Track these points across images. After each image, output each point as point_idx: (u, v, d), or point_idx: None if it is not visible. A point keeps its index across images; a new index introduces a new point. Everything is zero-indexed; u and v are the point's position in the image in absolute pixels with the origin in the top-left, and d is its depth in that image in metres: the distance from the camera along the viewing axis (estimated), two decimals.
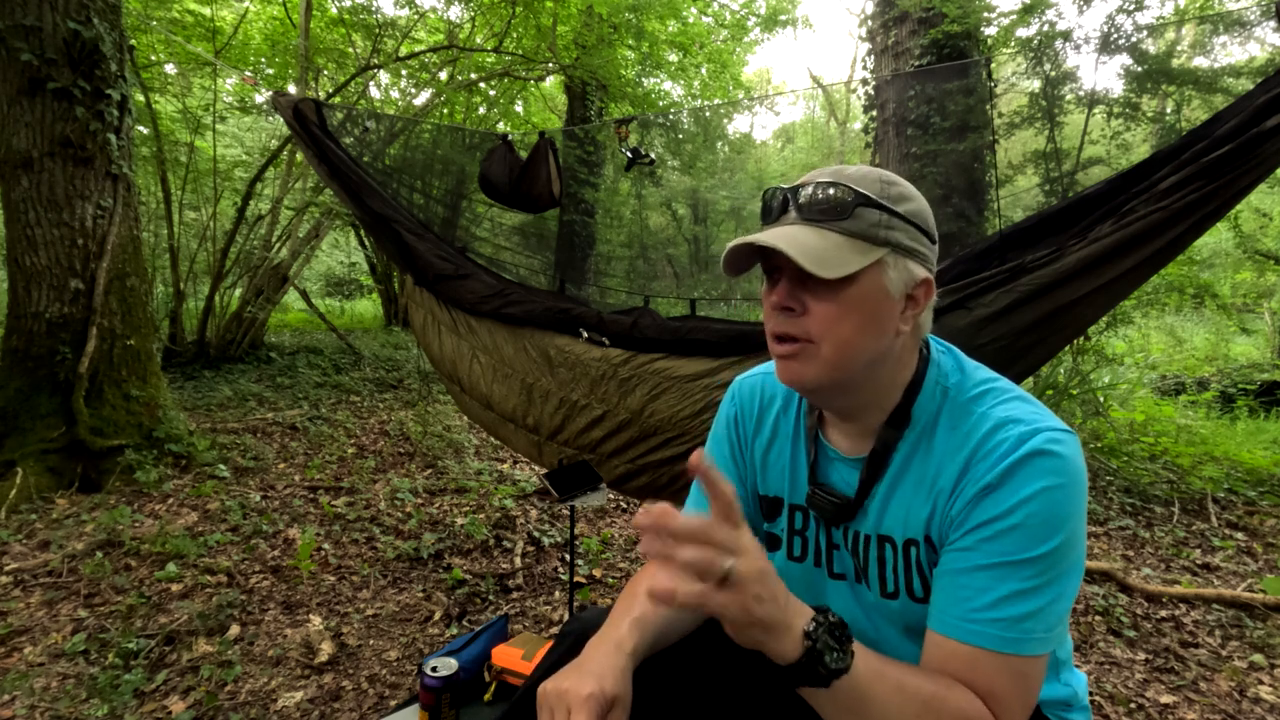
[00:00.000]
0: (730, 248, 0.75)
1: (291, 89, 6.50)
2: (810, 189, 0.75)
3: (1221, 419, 5.07)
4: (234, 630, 2.00)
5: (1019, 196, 5.49)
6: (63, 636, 1.90)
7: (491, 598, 2.30)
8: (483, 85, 8.12)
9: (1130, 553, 2.83)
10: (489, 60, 7.66)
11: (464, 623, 2.13)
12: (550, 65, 7.74)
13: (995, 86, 5.19)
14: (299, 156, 6.01)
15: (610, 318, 2.12)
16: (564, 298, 2.41)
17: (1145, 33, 4.66)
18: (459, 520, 2.91)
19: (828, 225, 0.73)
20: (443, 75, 7.53)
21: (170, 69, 6.95)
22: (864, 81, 6.11)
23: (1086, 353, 4.33)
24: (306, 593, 2.25)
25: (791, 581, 0.88)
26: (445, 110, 7.69)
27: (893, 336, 0.75)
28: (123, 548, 2.40)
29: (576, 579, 2.44)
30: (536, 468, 3.48)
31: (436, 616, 2.16)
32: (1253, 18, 4.68)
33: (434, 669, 1.54)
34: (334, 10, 6.80)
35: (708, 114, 11.70)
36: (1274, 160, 1.41)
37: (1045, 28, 4.93)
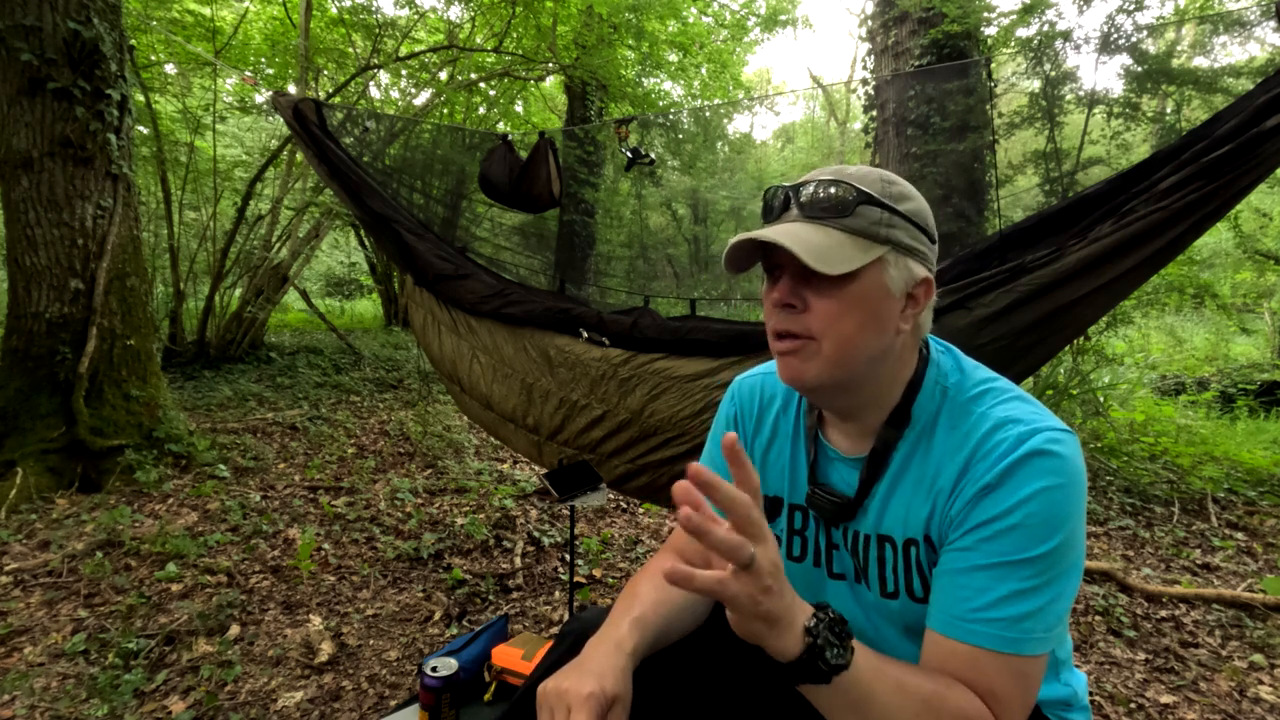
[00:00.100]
0: (732, 244, 0.75)
1: (291, 89, 6.50)
2: (812, 187, 0.75)
3: (1221, 419, 5.07)
4: (234, 630, 2.00)
5: (1019, 196, 5.49)
6: (63, 636, 1.90)
7: (491, 598, 2.30)
8: (483, 85, 8.12)
9: (1130, 553, 2.83)
10: (489, 60, 7.66)
11: (464, 623, 2.14)
12: (550, 65, 7.75)
13: (995, 86, 5.19)
14: (299, 156, 6.01)
15: (610, 318, 2.12)
16: (564, 298, 2.41)
17: (1145, 33, 4.66)
18: (459, 520, 2.91)
19: (829, 222, 0.73)
20: (443, 75, 7.53)
21: (170, 69, 6.95)
22: (864, 81, 6.11)
23: (1086, 353, 4.33)
24: (306, 593, 2.25)
25: (791, 581, 0.88)
26: (445, 110, 7.69)
27: (893, 335, 0.75)
28: (123, 548, 2.40)
29: (576, 579, 2.44)
30: (536, 468, 3.48)
31: (436, 616, 2.16)
32: (1253, 18, 4.68)
33: (434, 669, 1.54)
34: (334, 10, 6.80)
35: (708, 114, 11.71)
36: (1274, 160, 1.41)
37: (1045, 28, 4.94)
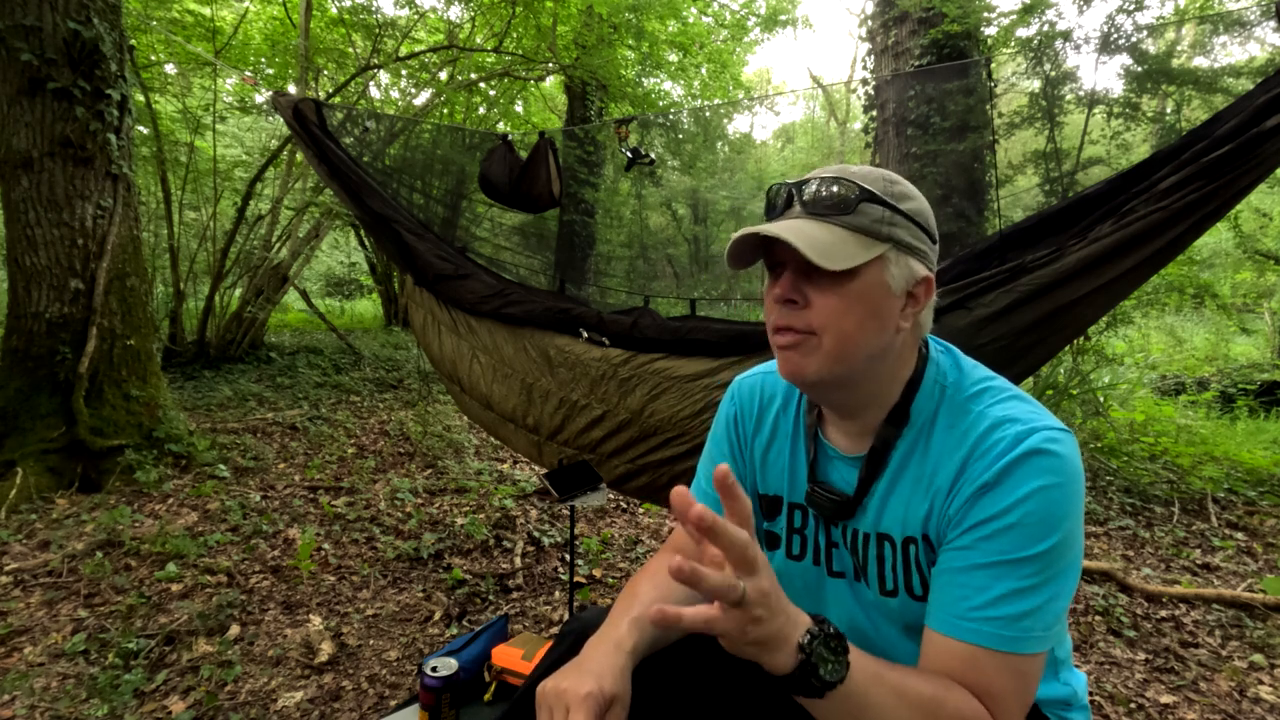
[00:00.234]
0: (735, 238, 0.75)
1: (291, 89, 6.50)
2: (815, 184, 0.75)
3: (1221, 419, 5.07)
4: (234, 630, 2.00)
5: (1019, 196, 5.49)
6: (63, 636, 1.90)
7: (491, 598, 2.30)
8: (483, 85, 8.12)
9: (1130, 553, 2.83)
10: (489, 60, 7.66)
11: (464, 623, 2.14)
12: (550, 65, 7.75)
13: (995, 86, 5.19)
14: (299, 156, 6.02)
15: (610, 318, 2.12)
16: (564, 298, 2.41)
17: (1145, 33, 4.66)
18: (459, 520, 2.91)
19: (832, 219, 0.74)
20: (443, 75, 7.54)
21: (170, 69, 6.95)
22: (864, 81, 6.12)
23: (1086, 353, 4.33)
24: (306, 593, 2.25)
25: (790, 580, 0.88)
26: (445, 110, 7.70)
27: (893, 333, 0.76)
28: (123, 548, 2.40)
29: (576, 579, 2.44)
30: (536, 468, 3.48)
31: (436, 616, 2.16)
32: (1253, 18, 4.68)
33: (434, 669, 1.54)
34: (334, 10, 6.80)
35: (708, 114, 11.71)
36: (1274, 160, 1.41)
37: (1045, 28, 4.94)
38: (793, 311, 0.75)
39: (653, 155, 3.55)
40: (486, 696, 1.70)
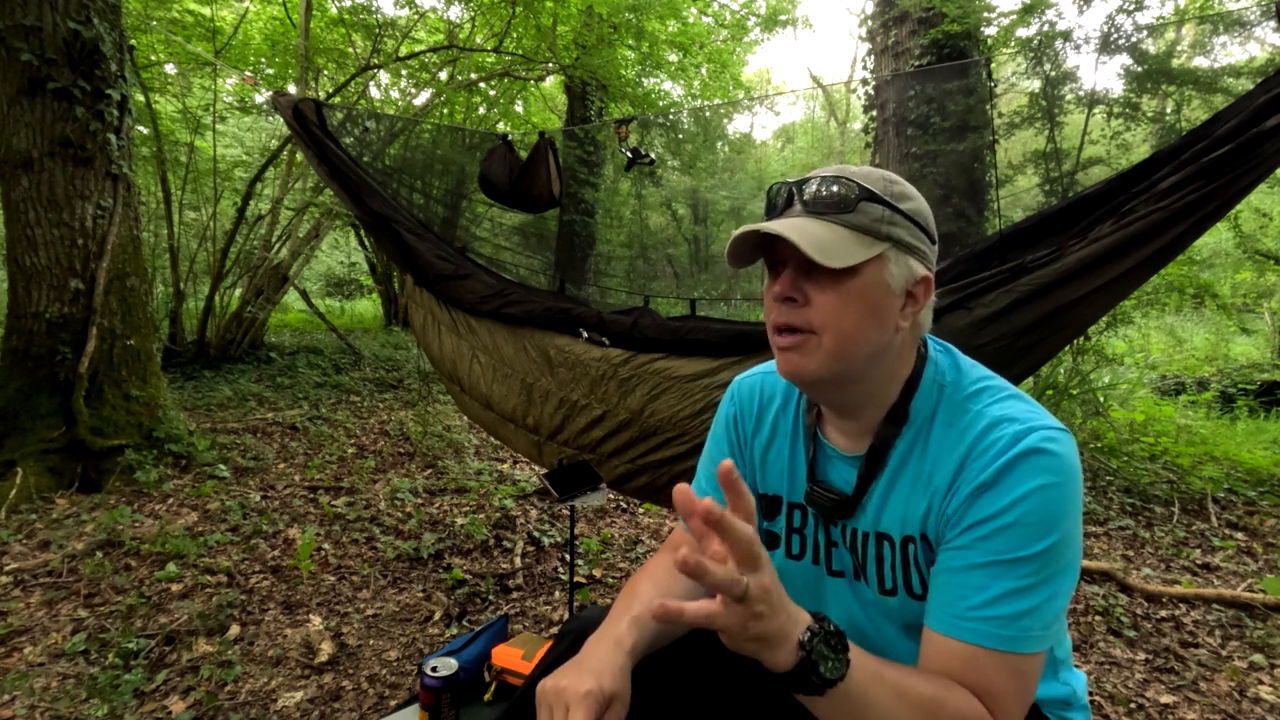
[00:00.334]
0: (736, 236, 0.76)
1: (291, 89, 6.50)
2: (816, 183, 0.76)
3: (1221, 419, 5.07)
4: (234, 630, 2.00)
5: (1019, 196, 5.49)
6: (63, 636, 1.90)
7: (491, 598, 2.30)
8: (483, 85, 8.12)
9: (1130, 553, 2.83)
10: (489, 60, 7.66)
11: (464, 623, 2.14)
12: (550, 65, 7.75)
13: (995, 86, 5.19)
14: (299, 156, 6.02)
15: (610, 318, 2.12)
16: (564, 298, 2.41)
17: (1145, 33, 4.66)
18: (459, 520, 2.91)
19: (832, 218, 0.74)
20: (443, 75, 7.54)
21: (170, 69, 6.95)
22: (864, 81, 6.12)
23: (1086, 353, 4.33)
24: (306, 593, 2.25)
25: (790, 579, 0.88)
26: (445, 110, 7.70)
27: (892, 331, 0.76)
28: (123, 548, 2.40)
29: (576, 579, 2.44)
30: (536, 468, 3.48)
31: (436, 616, 2.16)
32: (1253, 18, 4.68)
33: (434, 669, 1.54)
34: (334, 10, 6.81)
35: (708, 114, 11.71)
36: (1274, 160, 1.41)
37: (1045, 28, 4.94)
38: (793, 309, 0.75)
39: (653, 155, 3.55)
40: (486, 696, 1.70)
